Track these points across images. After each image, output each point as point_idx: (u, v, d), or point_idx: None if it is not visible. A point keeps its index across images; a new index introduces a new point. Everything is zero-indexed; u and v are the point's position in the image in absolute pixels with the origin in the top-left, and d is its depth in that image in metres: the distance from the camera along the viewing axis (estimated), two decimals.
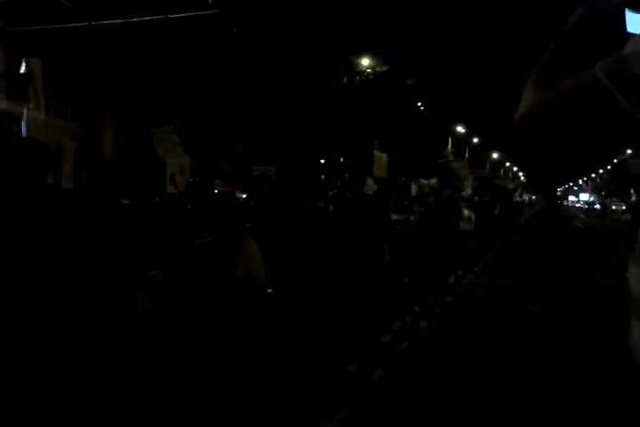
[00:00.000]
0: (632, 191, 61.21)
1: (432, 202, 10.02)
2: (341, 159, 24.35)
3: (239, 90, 18.64)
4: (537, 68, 1.31)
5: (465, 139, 51.14)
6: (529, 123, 1.24)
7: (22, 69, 9.29)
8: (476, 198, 20.28)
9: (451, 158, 42.21)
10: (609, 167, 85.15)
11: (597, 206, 67.62)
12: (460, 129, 48.41)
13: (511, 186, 61.61)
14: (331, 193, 7.79)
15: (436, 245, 9.09)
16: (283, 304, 4.84)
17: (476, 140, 55.52)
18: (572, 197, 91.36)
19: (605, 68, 1.14)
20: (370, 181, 10.90)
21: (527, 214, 6.19)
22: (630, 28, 1.25)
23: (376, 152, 13.58)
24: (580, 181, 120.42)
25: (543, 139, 1.25)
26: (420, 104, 35.92)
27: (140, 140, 16.43)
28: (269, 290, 3.84)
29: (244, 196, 8.20)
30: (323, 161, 25.12)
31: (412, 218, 8.89)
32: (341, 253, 5.69)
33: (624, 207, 57.03)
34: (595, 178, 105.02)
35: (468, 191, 20.34)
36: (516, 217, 25.80)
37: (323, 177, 18.78)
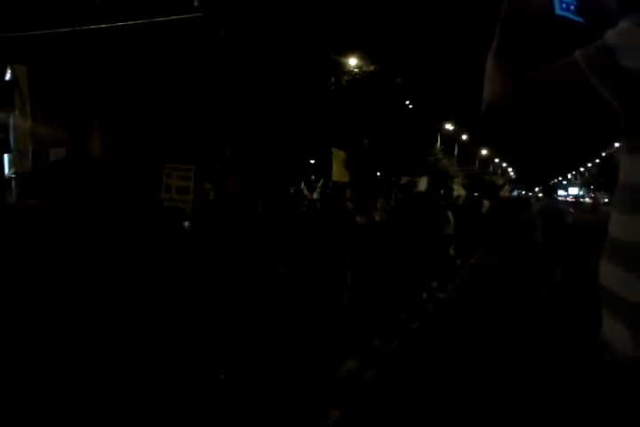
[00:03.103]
0: None
1: (400, 200, 8.61)
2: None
3: (227, 92, 18.62)
4: (493, 49, 1.32)
5: (454, 136, 51.26)
6: (504, 107, 1.26)
7: (7, 76, 9.24)
8: (457, 195, 18.28)
9: (440, 156, 42.28)
10: (597, 161, 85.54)
11: (586, 200, 67.90)
12: (449, 126, 48.53)
13: (500, 182, 61.82)
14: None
15: (402, 252, 7.42)
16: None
17: (464, 137, 55.67)
18: (561, 192, 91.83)
19: (586, 56, 1.18)
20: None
21: (536, 209, 8.52)
22: (558, 11, 1.29)
23: (335, 151, 10.53)
24: (569, 176, 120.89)
25: (519, 123, 1.28)
26: (408, 102, 35.98)
27: (129, 144, 16.37)
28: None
29: None
30: (312, 161, 25.13)
31: (376, 217, 7.35)
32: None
33: (606, 200, 57.39)
34: (583, 172, 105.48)
35: (459, 190, 19.59)
36: (506, 215, 25.21)
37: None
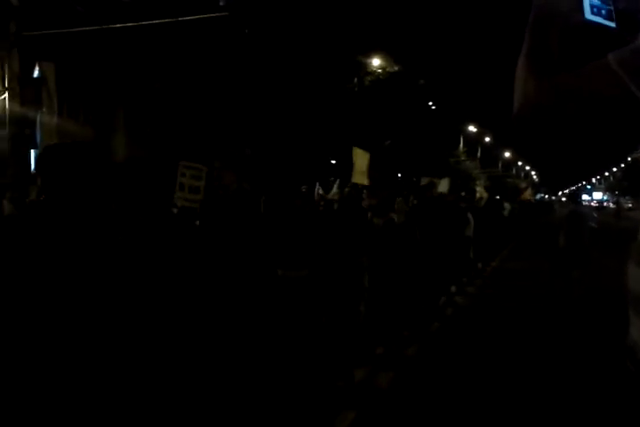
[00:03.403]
0: None
1: (418, 202, 8.57)
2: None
3: (250, 91, 18.70)
4: (523, 56, 1.32)
5: (477, 138, 50.92)
6: (535, 109, 1.26)
7: (36, 73, 9.41)
8: (479, 196, 18.09)
9: (463, 158, 42.04)
10: (622, 166, 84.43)
11: (610, 205, 67.11)
12: (472, 128, 48.22)
13: (523, 185, 61.35)
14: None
15: (421, 254, 7.13)
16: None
17: (487, 139, 55.27)
18: (585, 196, 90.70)
19: (619, 58, 1.18)
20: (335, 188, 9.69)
21: (559, 214, 9.19)
22: (588, 15, 1.28)
23: (356, 151, 9.86)
24: (594, 180, 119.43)
25: (549, 125, 1.28)
26: (431, 104, 35.82)
27: (153, 141, 16.53)
28: None
29: None
30: (334, 162, 25.12)
31: (395, 218, 7.02)
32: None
33: (630, 204, 56.64)
34: (608, 177, 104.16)
35: (482, 192, 19.37)
36: (528, 219, 24.74)
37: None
